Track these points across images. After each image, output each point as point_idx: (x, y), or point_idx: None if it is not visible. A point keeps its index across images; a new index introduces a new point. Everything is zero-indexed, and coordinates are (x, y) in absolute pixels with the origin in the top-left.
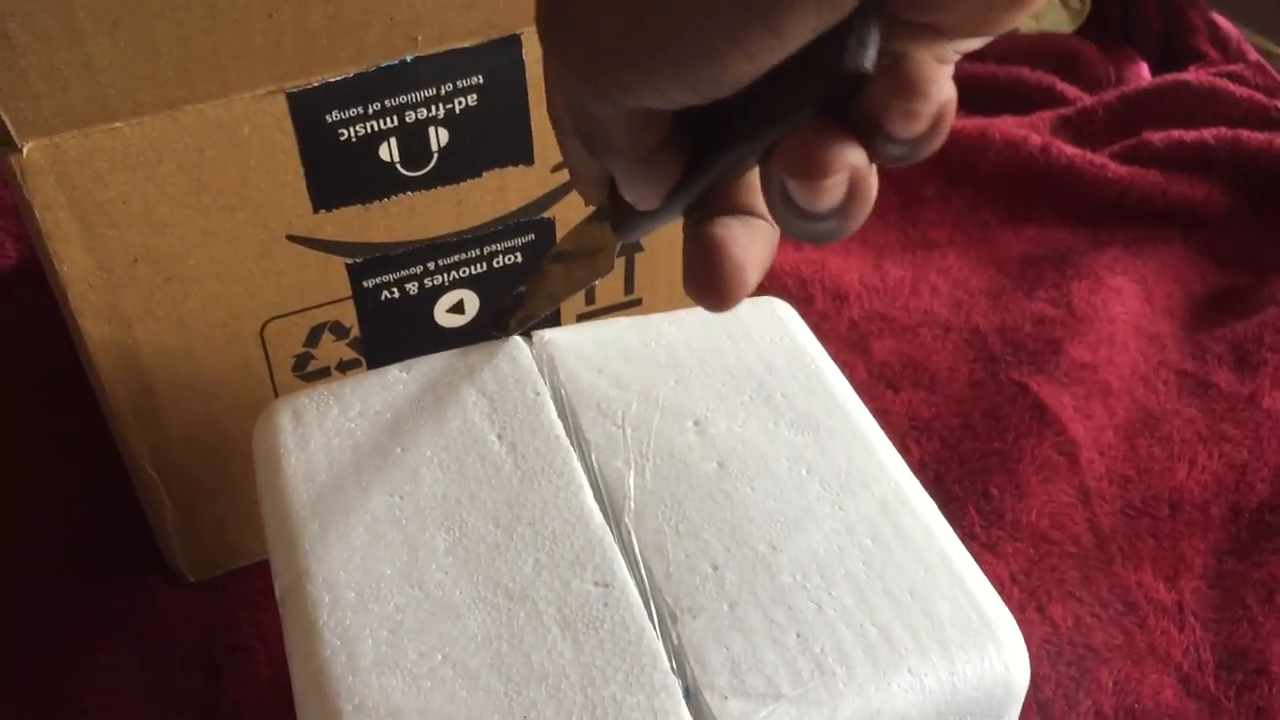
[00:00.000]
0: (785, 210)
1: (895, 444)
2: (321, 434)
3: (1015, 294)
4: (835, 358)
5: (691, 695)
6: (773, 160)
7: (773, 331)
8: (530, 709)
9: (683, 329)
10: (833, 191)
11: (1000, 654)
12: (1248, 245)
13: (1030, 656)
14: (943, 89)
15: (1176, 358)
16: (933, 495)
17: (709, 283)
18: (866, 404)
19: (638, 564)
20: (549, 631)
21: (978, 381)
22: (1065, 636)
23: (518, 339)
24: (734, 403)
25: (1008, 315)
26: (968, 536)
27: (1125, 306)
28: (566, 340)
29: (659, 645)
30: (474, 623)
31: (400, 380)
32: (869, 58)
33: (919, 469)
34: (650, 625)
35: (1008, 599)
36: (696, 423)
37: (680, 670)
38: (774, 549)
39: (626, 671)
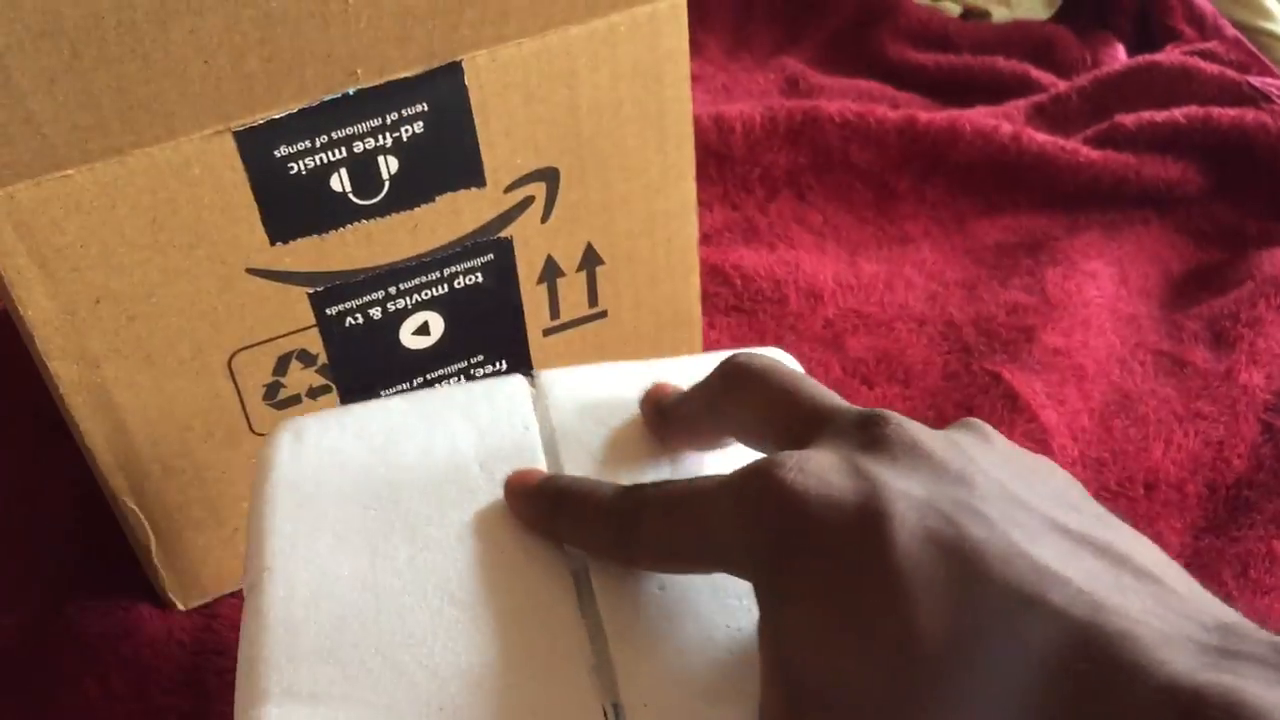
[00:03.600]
0: None
1: None
2: (315, 452)
3: (990, 284)
4: (810, 357)
5: (619, 712)
6: None
7: None
8: (448, 701)
9: (684, 377)
10: None
11: None
12: (1224, 222)
13: None
14: None
15: (1153, 338)
16: None
17: None
18: (842, 398)
19: (592, 595)
20: (484, 635)
21: (952, 374)
22: None
23: (520, 376)
24: (720, 452)
25: (982, 305)
26: None
27: (1100, 290)
28: (564, 380)
29: (589, 661)
30: (415, 624)
31: (399, 409)
32: None
33: None
34: (587, 643)
35: None
36: (673, 463)
37: (610, 688)
38: (721, 589)
39: (554, 679)
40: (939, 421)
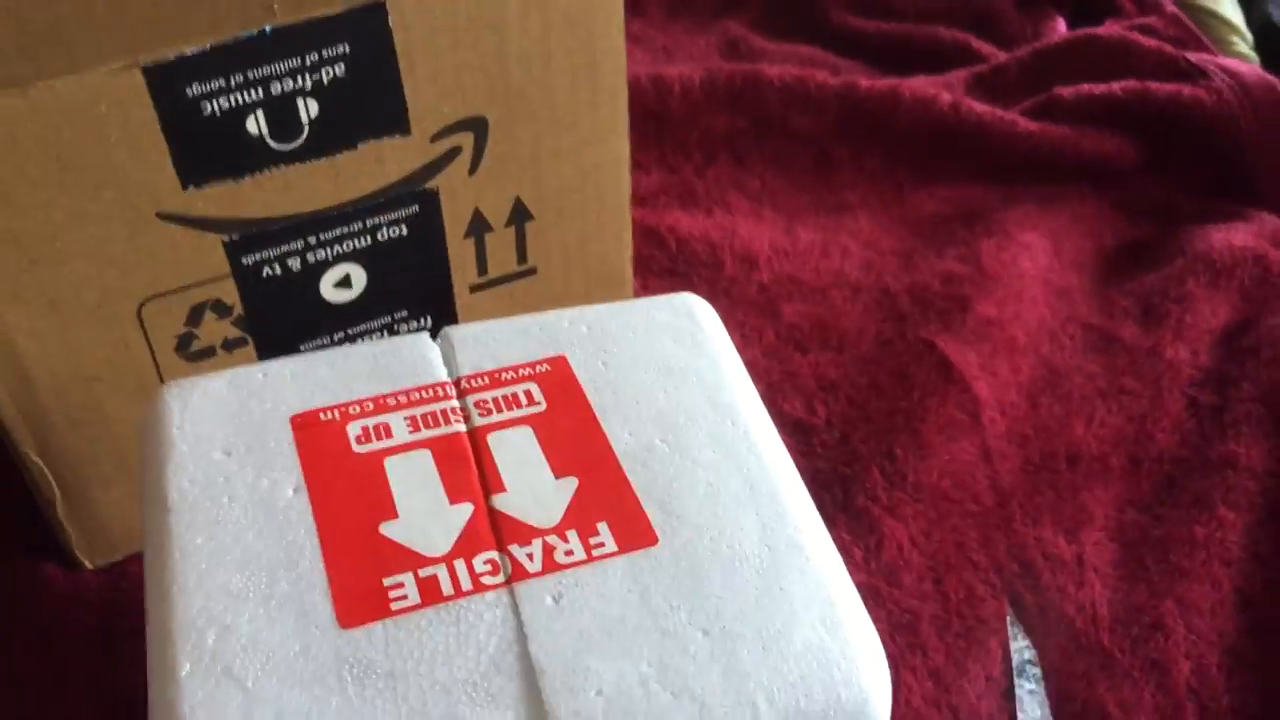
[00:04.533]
0: None
1: (802, 405)
2: (207, 410)
3: (926, 253)
4: (744, 322)
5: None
6: None
7: (682, 330)
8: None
9: (598, 325)
10: None
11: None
12: (1158, 197)
13: (921, 631)
14: None
15: (1084, 312)
16: (839, 455)
17: None
18: (774, 366)
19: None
20: None
21: (886, 341)
22: (954, 609)
23: (425, 334)
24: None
25: (917, 275)
26: (870, 500)
27: (1034, 262)
28: (471, 334)
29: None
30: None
31: (302, 368)
32: None
33: (825, 428)
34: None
35: (906, 564)
36: None
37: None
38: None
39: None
40: (873, 388)
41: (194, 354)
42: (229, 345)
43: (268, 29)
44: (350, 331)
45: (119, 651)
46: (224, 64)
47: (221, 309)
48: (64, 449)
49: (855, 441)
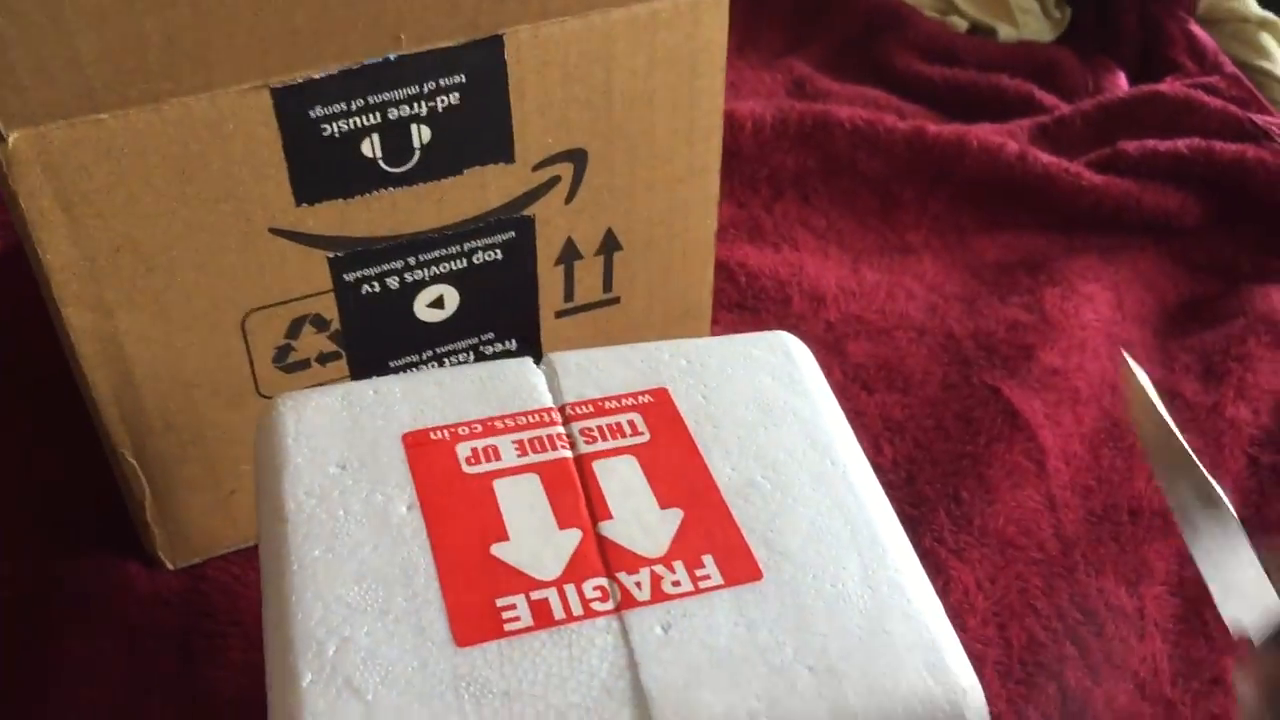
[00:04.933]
0: None
1: (868, 445)
2: (322, 422)
3: (990, 299)
4: None
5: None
6: None
7: (779, 368)
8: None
9: (691, 360)
10: None
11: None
12: (1220, 255)
13: (985, 675)
14: None
15: (1145, 366)
16: (905, 496)
17: None
18: (842, 404)
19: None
20: None
21: (951, 384)
22: (1016, 655)
23: (528, 359)
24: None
25: (981, 320)
26: (937, 542)
27: (1097, 313)
28: (574, 361)
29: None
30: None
31: (407, 385)
32: None
33: (892, 468)
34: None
35: (971, 608)
36: None
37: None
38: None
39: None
40: (938, 430)
41: (290, 365)
42: (323, 359)
43: (392, 57)
44: (439, 350)
45: (197, 651)
46: (348, 89)
47: (320, 323)
48: (158, 452)
49: (921, 483)
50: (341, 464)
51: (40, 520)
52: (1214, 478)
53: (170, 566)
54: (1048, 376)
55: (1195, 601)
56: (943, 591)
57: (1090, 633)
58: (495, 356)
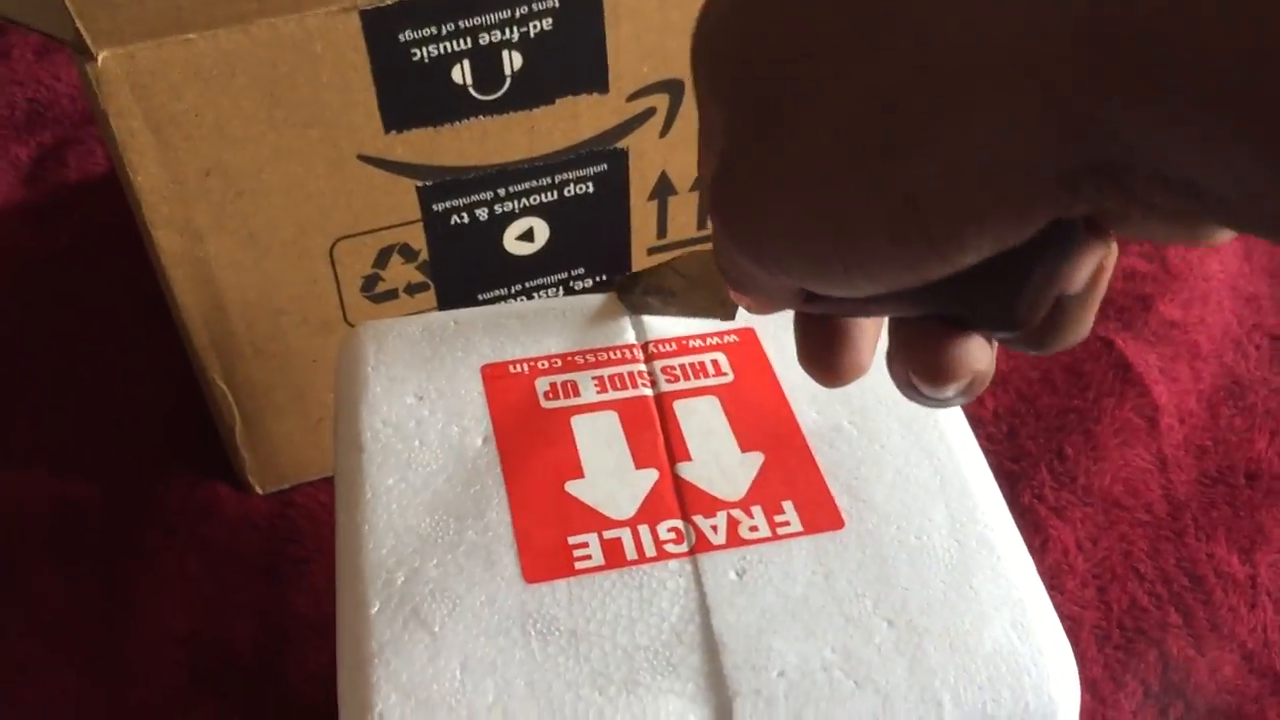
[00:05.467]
0: (903, 384)
1: None
2: (406, 351)
3: None
4: None
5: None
6: (896, 356)
7: None
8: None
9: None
10: (955, 385)
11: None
12: None
13: (1081, 640)
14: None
15: (1273, 321)
16: (1005, 450)
17: (823, 362)
18: None
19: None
20: None
21: None
22: (1116, 619)
23: (613, 296)
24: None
25: None
26: (1037, 499)
27: (1223, 264)
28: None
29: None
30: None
31: (495, 318)
32: (1040, 300)
33: (993, 421)
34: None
35: (1070, 569)
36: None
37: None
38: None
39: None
40: (1044, 383)
41: (378, 295)
42: (411, 289)
43: None
44: (528, 284)
45: (283, 575)
46: (438, 12)
47: (408, 253)
48: (248, 377)
49: (1024, 438)
50: (419, 394)
51: (134, 442)
52: None
53: (259, 491)
54: (1165, 329)
55: None
56: (1040, 550)
57: (1197, 600)
58: (585, 293)
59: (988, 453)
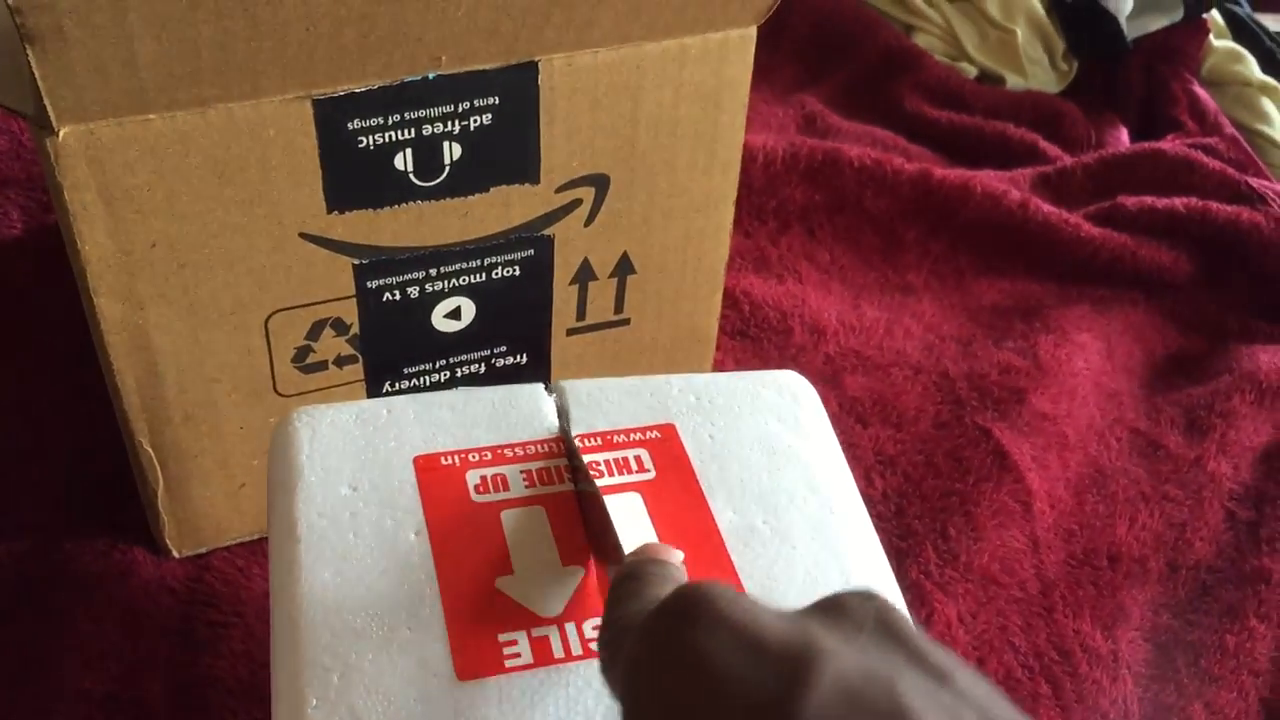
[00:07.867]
0: None
1: (860, 477)
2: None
3: (985, 342)
4: None
5: None
6: None
7: (785, 409)
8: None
9: (697, 393)
10: None
11: None
12: (1209, 313)
13: None
14: None
15: (1132, 416)
16: (894, 528)
17: None
18: (836, 435)
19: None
20: None
21: (943, 423)
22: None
23: (540, 387)
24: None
25: (976, 362)
26: (923, 574)
27: (1088, 362)
28: (584, 390)
29: None
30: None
31: (413, 407)
32: None
33: (882, 500)
34: None
35: (953, 640)
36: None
37: None
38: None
39: None
40: (929, 466)
41: (308, 365)
42: (340, 361)
43: (431, 76)
44: (452, 360)
45: (199, 639)
46: (386, 103)
47: (340, 327)
48: (175, 442)
49: (910, 516)
50: (354, 485)
51: (49, 502)
52: (1192, 530)
53: (176, 555)
54: (1037, 421)
55: (1167, 648)
56: (926, 622)
57: (1065, 672)
58: (506, 369)
59: (878, 529)
